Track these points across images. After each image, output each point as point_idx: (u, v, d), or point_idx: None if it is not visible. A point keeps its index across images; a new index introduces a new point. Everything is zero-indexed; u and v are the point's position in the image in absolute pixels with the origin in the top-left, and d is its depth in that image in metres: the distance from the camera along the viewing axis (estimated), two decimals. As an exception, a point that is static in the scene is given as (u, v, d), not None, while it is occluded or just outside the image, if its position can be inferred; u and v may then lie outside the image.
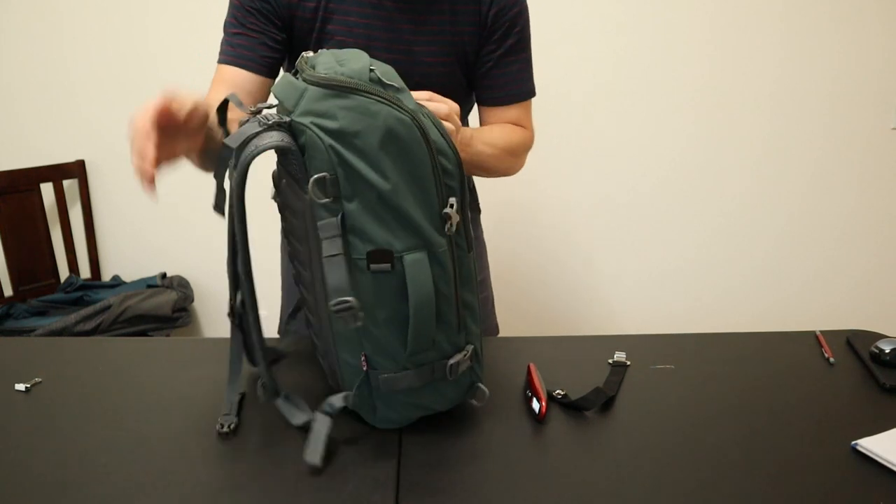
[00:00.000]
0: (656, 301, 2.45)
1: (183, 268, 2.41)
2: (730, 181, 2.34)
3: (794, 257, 2.40)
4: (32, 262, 2.20)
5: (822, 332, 1.12)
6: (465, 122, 1.26)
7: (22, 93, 2.27)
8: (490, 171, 1.12)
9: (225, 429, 0.85)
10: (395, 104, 0.74)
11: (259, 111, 0.79)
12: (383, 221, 0.75)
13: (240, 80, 1.07)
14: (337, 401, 0.81)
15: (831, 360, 1.04)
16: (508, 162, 1.14)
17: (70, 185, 2.31)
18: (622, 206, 2.37)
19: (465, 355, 0.82)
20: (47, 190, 2.22)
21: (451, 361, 0.81)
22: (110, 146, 2.31)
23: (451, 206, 0.77)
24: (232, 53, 1.07)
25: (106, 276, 2.42)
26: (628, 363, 1.02)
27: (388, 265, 0.76)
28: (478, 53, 1.13)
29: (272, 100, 1.14)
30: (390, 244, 0.76)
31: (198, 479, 0.77)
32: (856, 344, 1.07)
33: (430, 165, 0.75)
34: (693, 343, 1.10)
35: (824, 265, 2.41)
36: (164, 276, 2.33)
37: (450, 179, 0.77)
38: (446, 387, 0.84)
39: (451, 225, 0.77)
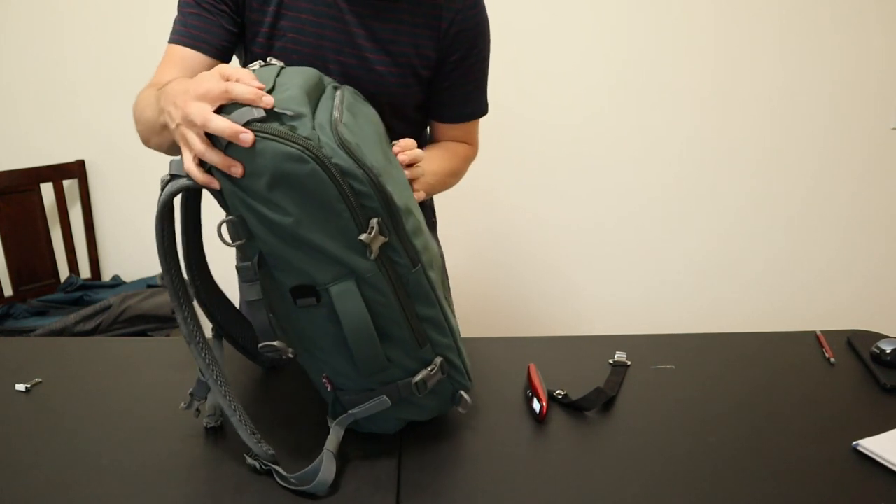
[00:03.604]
0: (657, 301, 2.45)
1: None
2: (730, 181, 2.34)
3: (794, 257, 2.40)
4: (32, 262, 2.20)
5: (822, 332, 1.12)
6: (420, 140, 1.21)
7: (22, 93, 2.27)
8: (431, 194, 1.12)
9: (211, 424, 0.86)
10: (282, 138, 0.69)
11: None
12: (299, 256, 0.72)
13: (192, 62, 1.01)
14: (331, 444, 0.78)
15: (832, 360, 1.04)
16: (449, 184, 1.16)
17: (70, 185, 2.30)
18: (623, 207, 2.37)
19: (431, 370, 0.79)
20: (47, 190, 2.22)
21: (416, 379, 0.79)
22: (110, 146, 2.31)
23: (372, 228, 0.72)
24: (186, 34, 1.01)
25: (106, 276, 2.42)
26: (629, 363, 1.02)
27: (314, 299, 0.74)
28: (433, 69, 1.10)
29: None
30: (313, 277, 0.73)
31: (198, 479, 0.77)
32: (856, 344, 1.07)
33: (335, 191, 0.70)
34: (693, 343, 1.10)
35: (825, 265, 2.41)
36: (164, 276, 2.33)
37: (367, 200, 0.72)
38: (423, 399, 0.82)
39: (370, 251, 0.72)
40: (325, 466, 0.75)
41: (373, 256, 0.73)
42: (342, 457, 0.80)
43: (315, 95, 0.79)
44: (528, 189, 2.35)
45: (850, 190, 2.34)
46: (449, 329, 0.82)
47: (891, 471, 0.78)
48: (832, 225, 2.37)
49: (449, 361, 0.82)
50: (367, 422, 0.83)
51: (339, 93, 0.84)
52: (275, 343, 0.75)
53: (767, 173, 2.33)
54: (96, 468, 0.78)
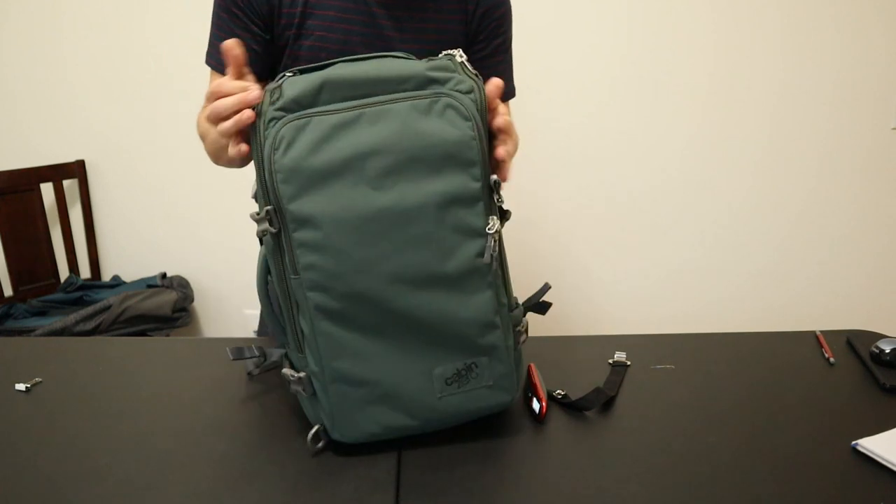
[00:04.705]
0: (656, 301, 2.45)
1: (183, 268, 2.41)
2: (730, 181, 2.34)
3: (794, 257, 2.40)
4: (32, 262, 2.20)
5: (822, 332, 1.12)
6: None
7: (22, 93, 2.27)
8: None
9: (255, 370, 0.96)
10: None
11: None
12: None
13: None
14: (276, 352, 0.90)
15: (831, 360, 1.04)
16: None
17: (70, 185, 2.31)
18: (623, 207, 2.37)
19: (294, 375, 0.80)
20: (47, 190, 2.22)
21: (284, 369, 0.82)
22: (110, 146, 2.31)
23: (262, 212, 0.75)
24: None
25: (106, 276, 2.42)
26: (629, 363, 1.02)
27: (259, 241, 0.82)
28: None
29: None
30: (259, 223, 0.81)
31: (198, 479, 0.77)
32: (856, 344, 1.07)
33: (259, 154, 0.75)
34: (693, 343, 1.10)
35: (824, 265, 2.41)
36: (164, 276, 2.33)
37: (270, 186, 0.74)
38: (303, 400, 0.83)
39: (260, 228, 0.76)
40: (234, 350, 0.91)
41: (258, 235, 0.77)
42: (340, 455, 0.80)
43: (343, 88, 0.76)
44: (524, 189, 2.35)
45: (850, 190, 2.34)
46: (320, 359, 0.77)
47: (891, 471, 0.77)
48: (832, 225, 2.37)
49: (313, 386, 0.80)
50: None
51: (440, 100, 0.79)
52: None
53: (767, 173, 2.33)
54: (96, 468, 0.78)
